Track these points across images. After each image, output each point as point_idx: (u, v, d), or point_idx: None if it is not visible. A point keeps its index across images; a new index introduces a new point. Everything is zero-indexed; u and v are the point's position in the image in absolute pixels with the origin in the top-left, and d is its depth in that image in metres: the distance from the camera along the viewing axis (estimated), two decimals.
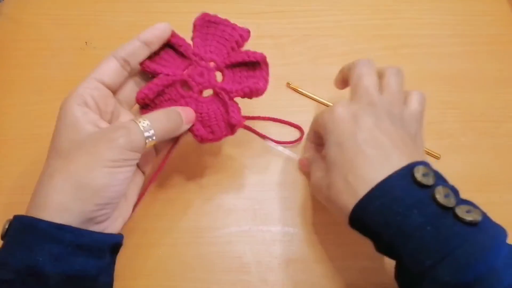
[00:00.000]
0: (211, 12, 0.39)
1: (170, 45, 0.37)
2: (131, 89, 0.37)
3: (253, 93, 0.37)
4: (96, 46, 0.53)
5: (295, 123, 0.47)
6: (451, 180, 0.47)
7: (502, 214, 0.44)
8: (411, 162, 0.31)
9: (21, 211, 0.42)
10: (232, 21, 0.39)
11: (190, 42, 0.38)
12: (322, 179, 0.36)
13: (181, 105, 0.36)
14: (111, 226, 0.32)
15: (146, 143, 0.31)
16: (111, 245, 0.31)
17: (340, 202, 0.32)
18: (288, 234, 0.42)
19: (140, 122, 0.31)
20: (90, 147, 0.29)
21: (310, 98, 0.50)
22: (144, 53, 0.35)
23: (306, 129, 0.46)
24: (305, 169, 0.44)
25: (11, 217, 0.30)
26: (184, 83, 0.37)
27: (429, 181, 0.30)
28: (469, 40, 0.55)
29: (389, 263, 0.41)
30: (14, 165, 0.45)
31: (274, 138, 0.45)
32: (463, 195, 0.31)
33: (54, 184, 0.29)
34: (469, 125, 0.49)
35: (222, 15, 0.57)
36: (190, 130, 0.36)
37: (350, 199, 0.31)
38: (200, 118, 0.37)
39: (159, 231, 0.42)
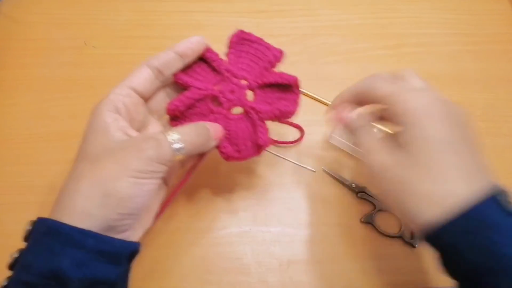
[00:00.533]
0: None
1: (204, 59, 0.36)
2: (162, 100, 0.36)
3: (282, 115, 0.36)
4: (95, 46, 0.53)
5: (295, 123, 0.46)
6: None
7: None
8: (494, 184, 0.30)
9: (21, 211, 0.42)
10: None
11: (224, 58, 0.37)
12: (394, 169, 0.31)
13: (210, 120, 0.36)
14: (131, 236, 0.32)
15: (174, 156, 0.31)
16: (130, 252, 0.31)
17: (416, 208, 0.30)
18: (288, 235, 0.42)
19: (169, 135, 0.31)
20: (119, 155, 0.29)
21: (310, 97, 0.50)
22: (177, 65, 0.35)
23: (306, 129, 0.46)
24: (343, 122, 0.37)
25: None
26: (215, 98, 0.37)
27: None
28: (469, 39, 0.55)
29: (389, 264, 0.41)
30: (14, 165, 0.45)
31: (274, 138, 0.45)
32: None
33: (79, 189, 0.29)
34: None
35: (222, 14, 0.57)
36: (216, 146, 0.36)
37: (432, 210, 0.29)
38: (228, 135, 0.36)
39: (159, 232, 0.42)
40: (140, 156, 0.29)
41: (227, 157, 0.36)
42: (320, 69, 0.52)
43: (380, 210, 0.43)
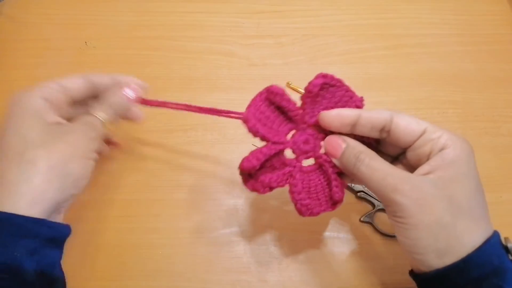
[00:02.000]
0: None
1: (279, 106, 0.33)
2: None
3: None
4: (95, 46, 0.53)
5: None
6: None
7: (503, 214, 0.44)
8: (492, 229, 0.30)
9: None
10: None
11: (298, 102, 0.34)
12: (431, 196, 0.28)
13: (283, 173, 0.33)
14: (63, 217, 0.33)
15: (105, 126, 0.34)
16: (67, 235, 0.32)
17: (422, 250, 0.29)
18: (288, 235, 0.42)
19: (97, 114, 0.34)
20: (69, 138, 0.31)
21: None
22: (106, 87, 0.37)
23: None
24: (336, 152, 0.33)
25: None
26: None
27: None
28: (469, 40, 0.55)
29: (389, 264, 0.41)
30: None
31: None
32: None
33: (39, 171, 0.29)
34: (469, 125, 0.49)
35: (222, 14, 0.57)
36: (292, 199, 0.33)
37: (438, 254, 0.28)
38: (307, 188, 0.34)
39: (159, 231, 0.42)
40: (89, 138, 0.33)
41: (304, 212, 0.33)
42: (320, 69, 0.51)
43: (379, 210, 0.43)
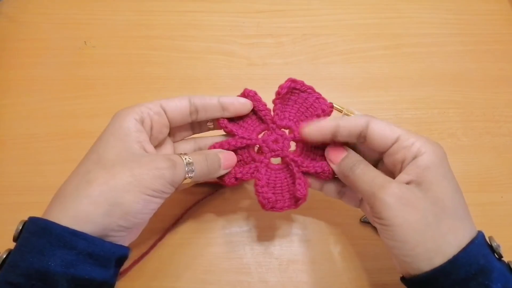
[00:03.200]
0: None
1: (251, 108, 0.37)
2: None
3: (324, 174, 0.35)
4: (95, 46, 0.53)
5: None
6: None
7: (504, 214, 0.44)
8: (476, 229, 0.30)
9: (20, 211, 0.42)
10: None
11: (271, 105, 0.37)
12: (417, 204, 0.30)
13: (251, 167, 0.36)
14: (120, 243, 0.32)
15: (184, 180, 0.32)
16: (118, 256, 0.31)
17: (411, 252, 0.29)
18: (289, 235, 0.42)
19: (185, 159, 0.32)
20: (135, 169, 0.29)
21: None
22: (215, 113, 0.36)
23: None
24: (337, 160, 0.35)
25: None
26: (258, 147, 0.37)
27: (500, 252, 0.29)
28: (470, 40, 0.55)
29: (389, 264, 0.41)
30: (14, 165, 0.45)
31: None
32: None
33: (90, 193, 0.28)
34: (470, 125, 0.49)
35: (222, 14, 0.57)
36: (255, 192, 0.35)
37: (428, 254, 0.29)
38: (269, 184, 0.36)
39: (159, 232, 0.42)
40: (156, 175, 0.30)
41: (265, 205, 0.35)
42: (320, 69, 0.52)
43: None
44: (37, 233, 0.28)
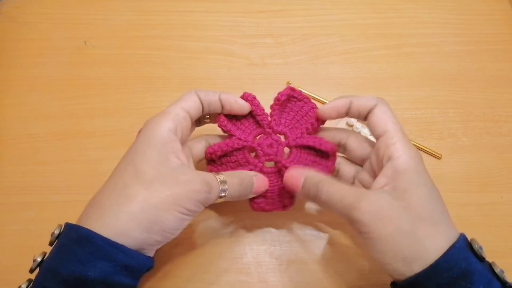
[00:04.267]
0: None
1: (250, 111, 0.38)
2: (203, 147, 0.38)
3: None
4: (95, 45, 0.53)
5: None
6: (453, 180, 0.47)
7: (503, 214, 0.44)
8: (459, 232, 0.31)
9: (21, 211, 0.42)
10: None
11: (268, 110, 0.39)
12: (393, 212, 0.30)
13: (244, 169, 0.37)
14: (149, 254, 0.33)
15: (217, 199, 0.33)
16: (148, 268, 0.32)
17: (390, 260, 0.30)
18: (289, 235, 0.42)
19: (221, 181, 0.33)
20: (174, 189, 0.30)
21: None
22: (217, 110, 0.37)
23: None
24: (295, 182, 0.34)
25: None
26: (252, 149, 0.38)
27: (483, 254, 0.30)
28: (470, 40, 0.55)
29: None
30: (14, 165, 0.45)
31: None
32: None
33: (131, 210, 0.29)
34: (470, 125, 0.49)
35: (223, 14, 0.57)
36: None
37: (406, 262, 0.29)
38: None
39: None
40: (192, 197, 0.31)
41: (253, 207, 0.38)
42: (320, 69, 0.52)
43: None
44: (78, 241, 0.28)
